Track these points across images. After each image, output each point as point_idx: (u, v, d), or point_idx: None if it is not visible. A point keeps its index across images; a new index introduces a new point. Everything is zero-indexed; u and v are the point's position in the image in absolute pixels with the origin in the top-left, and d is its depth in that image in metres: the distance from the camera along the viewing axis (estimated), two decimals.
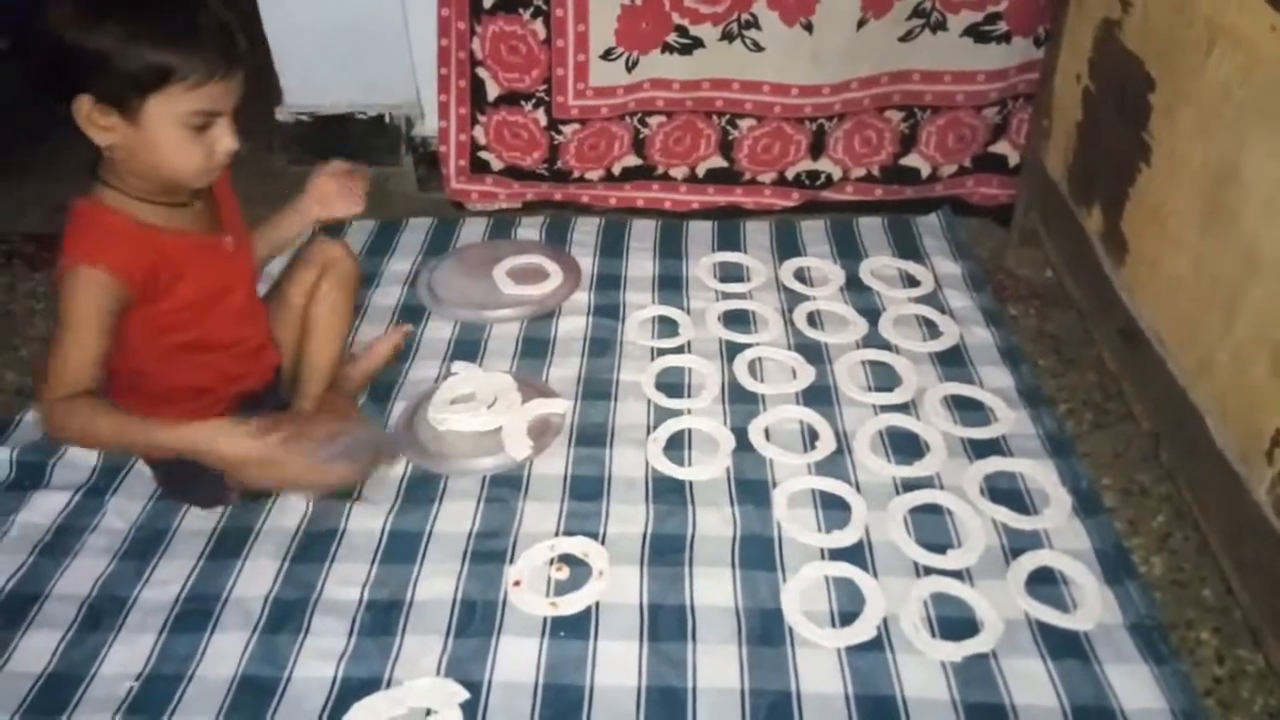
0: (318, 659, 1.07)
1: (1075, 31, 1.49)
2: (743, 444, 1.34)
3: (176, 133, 1.01)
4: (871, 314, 1.60)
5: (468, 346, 1.55)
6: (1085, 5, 1.45)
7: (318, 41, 1.96)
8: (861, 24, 1.73)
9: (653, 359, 1.51)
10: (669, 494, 1.27)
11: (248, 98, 1.06)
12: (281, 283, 1.33)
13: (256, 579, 1.16)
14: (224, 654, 1.07)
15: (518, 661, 1.06)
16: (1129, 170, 1.30)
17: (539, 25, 1.76)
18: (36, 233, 1.89)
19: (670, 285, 1.69)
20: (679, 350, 1.53)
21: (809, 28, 1.74)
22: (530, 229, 1.86)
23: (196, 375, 1.18)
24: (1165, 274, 1.22)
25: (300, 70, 2.01)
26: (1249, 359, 1.03)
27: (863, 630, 1.09)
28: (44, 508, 1.25)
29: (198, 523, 1.23)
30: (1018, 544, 1.19)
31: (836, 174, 1.91)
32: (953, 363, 1.50)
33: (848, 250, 1.78)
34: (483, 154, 1.90)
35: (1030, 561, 1.16)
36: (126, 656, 1.07)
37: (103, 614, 1.12)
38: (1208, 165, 1.12)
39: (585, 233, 1.83)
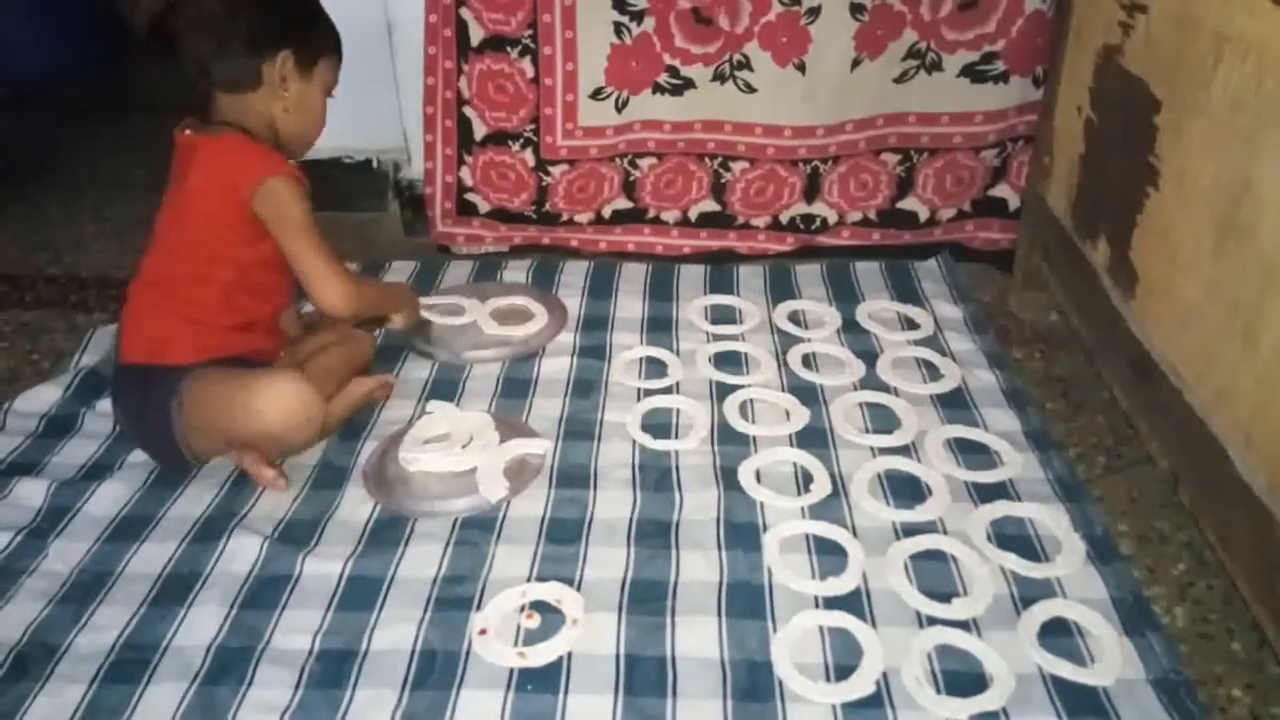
0: (259, 713, 0.97)
1: (1075, 63, 1.45)
2: (732, 485, 1.26)
3: (322, 99, 1.31)
4: (869, 356, 1.54)
5: (445, 387, 1.48)
6: (1084, 34, 1.42)
7: None
8: (856, 64, 1.70)
9: (639, 400, 1.44)
10: (652, 537, 1.18)
11: None
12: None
13: (201, 626, 1.07)
14: (157, 706, 0.98)
15: (479, 717, 0.96)
16: (1135, 197, 1.24)
17: (527, 63, 1.73)
18: (7, 273, 1.86)
19: (659, 327, 1.63)
20: (667, 391, 1.46)
21: (801, 68, 1.71)
22: (517, 272, 1.80)
23: (252, 309, 1.30)
24: (1178, 301, 1.15)
25: None
26: (1275, 380, 0.95)
27: (860, 685, 0.99)
28: None
29: (144, 566, 1.15)
30: (1028, 593, 1.10)
31: (832, 218, 1.86)
32: (955, 405, 1.42)
33: (844, 293, 1.72)
34: (469, 195, 1.86)
35: (1043, 611, 1.07)
36: (50, 709, 0.98)
37: (30, 663, 1.03)
38: (1219, 182, 1.06)
39: (573, 275, 1.78)
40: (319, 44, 1.28)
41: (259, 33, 1.22)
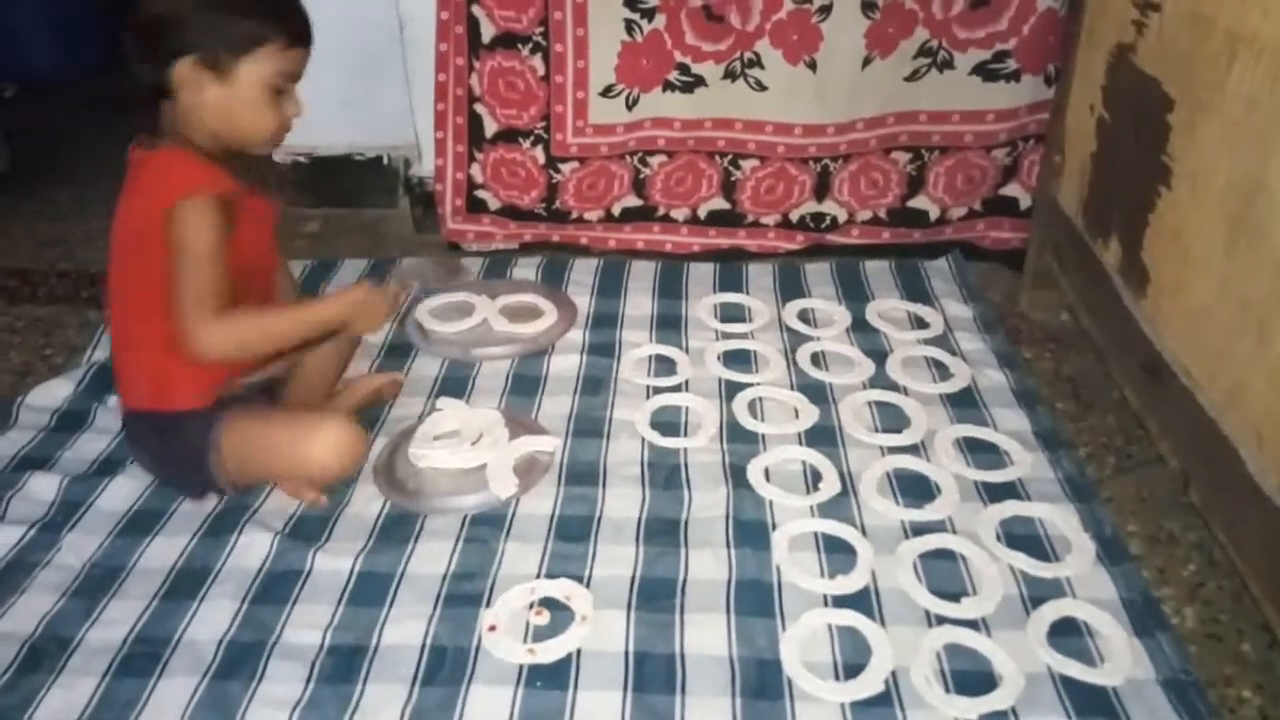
0: (270, 707, 0.97)
1: (1087, 61, 1.45)
2: (741, 483, 1.26)
3: (260, 95, 1.12)
4: (878, 355, 1.54)
5: (455, 384, 1.49)
6: (1096, 33, 1.41)
7: (315, 82, 1.91)
8: (867, 63, 1.70)
9: (648, 397, 1.44)
10: (661, 535, 1.18)
11: None
12: None
13: (212, 621, 1.08)
14: (169, 701, 0.98)
15: (489, 713, 0.97)
16: (1148, 196, 1.24)
17: (538, 61, 1.73)
18: (20, 268, 1.86)
19: (669, 325, 1.63)
20: (676, 389, 1.46)
21: (813, 66, 1.71)
22: (526, 269, 1.81)
23: None
24: (1190, 301, 1.15)
25: None
26: None
27: (869, 683, 0.99)
28: None
29: (156, 561, 1.16)
30: (1038, 592, 1.10)
31: (842, 216, 1.85)
32: (965, 404, 1.42)
33: (854, 292, 1.72)
34: (479, 193, 1.86)
35: (1052, 611, 1.07)
36: (63, 702, 0.98)
37: (44, 655, 1.03)
38: (1232, 181, 1.06)
39: (583, 273, 1.78)
40: (236, 40, 1.09)
41: (151, 36, 1.09)
